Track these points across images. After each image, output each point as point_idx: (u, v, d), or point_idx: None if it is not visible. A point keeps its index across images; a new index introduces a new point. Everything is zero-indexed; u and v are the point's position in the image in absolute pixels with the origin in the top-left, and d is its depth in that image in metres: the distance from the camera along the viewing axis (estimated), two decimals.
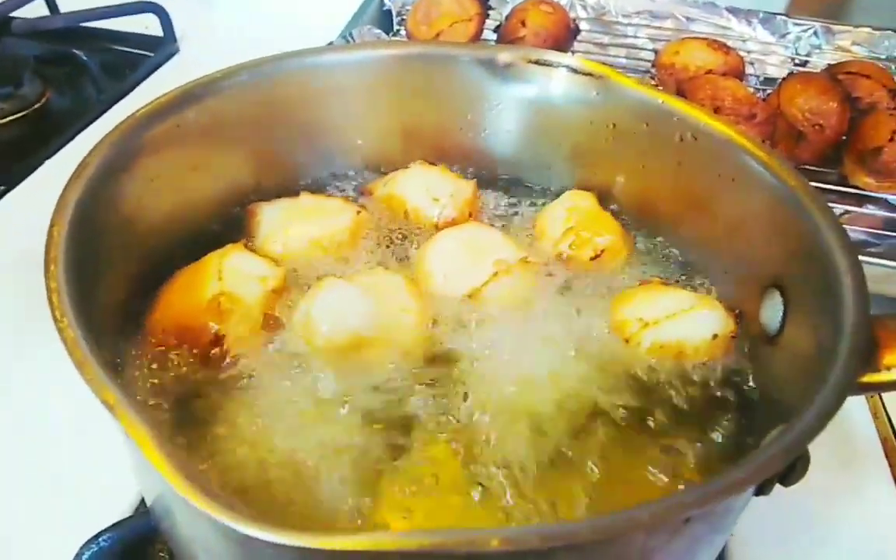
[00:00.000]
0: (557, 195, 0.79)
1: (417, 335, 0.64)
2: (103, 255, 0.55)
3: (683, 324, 0.65)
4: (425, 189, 0.76)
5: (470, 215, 0.76)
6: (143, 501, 0.70)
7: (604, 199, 0.78)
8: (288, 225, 0.71)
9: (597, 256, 0.72)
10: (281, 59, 0.72)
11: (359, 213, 0.74)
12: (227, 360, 0.59)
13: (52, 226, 0.50)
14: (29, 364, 0.82)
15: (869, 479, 0.78)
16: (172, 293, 0.63)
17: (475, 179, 0.80)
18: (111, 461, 0.68)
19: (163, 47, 1.42)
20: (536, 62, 0.76)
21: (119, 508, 0.69)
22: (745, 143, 0.66)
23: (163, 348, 0.60)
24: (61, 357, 0.78)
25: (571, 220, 0.73)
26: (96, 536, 0.62)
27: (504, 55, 0.77)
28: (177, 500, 0.42)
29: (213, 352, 0.60)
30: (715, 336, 0.64)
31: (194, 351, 0.60)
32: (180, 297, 0.62)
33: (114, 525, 0.63)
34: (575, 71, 0.75)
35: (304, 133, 0.76)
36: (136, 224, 0.62)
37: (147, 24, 1.45)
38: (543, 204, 0.79)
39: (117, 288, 0.58)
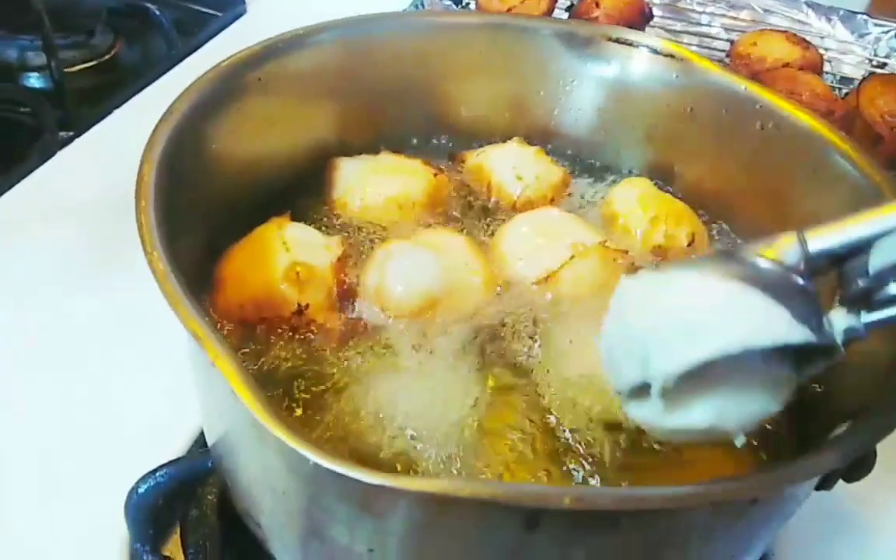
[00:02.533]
0: (625, 177, 0.79)
1: (486, 295, 0.64)
2: (185, 202, 0.56)
3: None
4: (512, 166, 0.76)
5: (552, 201, 0.76)
6: (195, 444, 0.71)
7: (675, 184, 0.78)
8: (368, 180, 0.72)
9: (691, 243, 0.71)
10: (364, 21, 0.73)
11: (436, 175, 0.75)
12: (312, 329, 0.60)
13: (142, 164, 0.51)
14: (92, 303, 0.85)
15: None
16: (238, 269, 0.62)
17: (566, 168, 0.79)
18: (167, 402, 0.72)
19: (231, 7, 1.44)
20: (616, 40, 0.75)
21: (172, 449, 0.70)
22: (829, 136, 0.64)
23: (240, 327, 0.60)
24: (126, 297, 0.80)
25: (650, 209, 0.72)
26: (153, 471, 0.62)
27: (584, 31, 0.76)
28: (253, 434, 0.43)
29: (295, 322, 0.59)
30: None
31: (276, 324, 0.60)
32: (249, 271, 0.61)
33: (172, 461, 0.64)
34: (656, 52, 0.74)
35: (383, 96, 0.77)
36: (216, 174, 0.63)
37: None
38: (613, 183, 0.78)
39: (195, 241, 0.59)
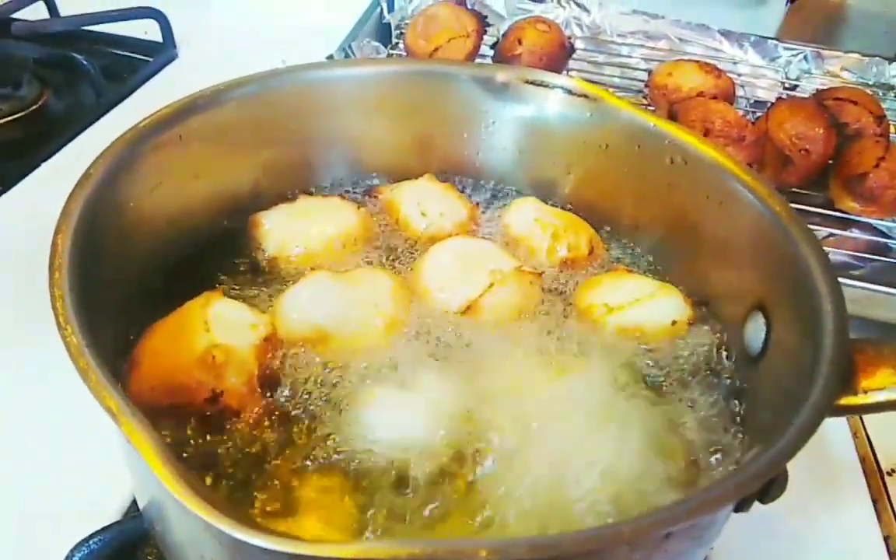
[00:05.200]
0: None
1: (385, 339, 0.64)
2: (106, 264, 0.56)
3: (644, 309, 0.69)
4: (417, 202, 0.78)
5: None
6: (133, 505, 0.70)
7: (597, 216, 0.80)
8: (305, 226, 0.73)
9: (591, 251, 0.76)
10: (285, 73, 0.74)
11: (359, 207, 0.76)
12: (226, 417, 0.56)
13: (56, 234, 0.51)
14: (20, 367, 0.82)
15: (847, 497, 0.79)
16: (154, 349, 0.58)
17: (475, 204, 0.81)
18: (101, 464, 0.68)
19: (162, 53, 1.43)
20: (533, 82, 0.78)
21: (109, 511, 0.69)
22: (732, 168, 0.68)
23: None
24: (53, 360, 0.78)
25: (548, 225, 0.76)
26: (87, 539, 0.62)
27: (501, 75, 0.79)
28: (174, 505, 0.43)
29: (208, 409, 0.56)
30: (674, 322, 0.68)
31: (187, 412, 0.56)
32: (164, 352, 0.57)
33: (105, 528, 0.63)
34: (570, 92, 0.77)
35: (305, 144, 0.78)
36: (138, 233, 0.63)
37: (146, 30, 1.46)
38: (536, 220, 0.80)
39: (116, 310, 0.58)
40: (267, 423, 0.57)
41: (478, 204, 0.82)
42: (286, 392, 0.59)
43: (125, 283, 0.61)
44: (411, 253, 0.76)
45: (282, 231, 0.73)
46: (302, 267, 0.71)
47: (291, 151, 0.77)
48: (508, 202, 0.83)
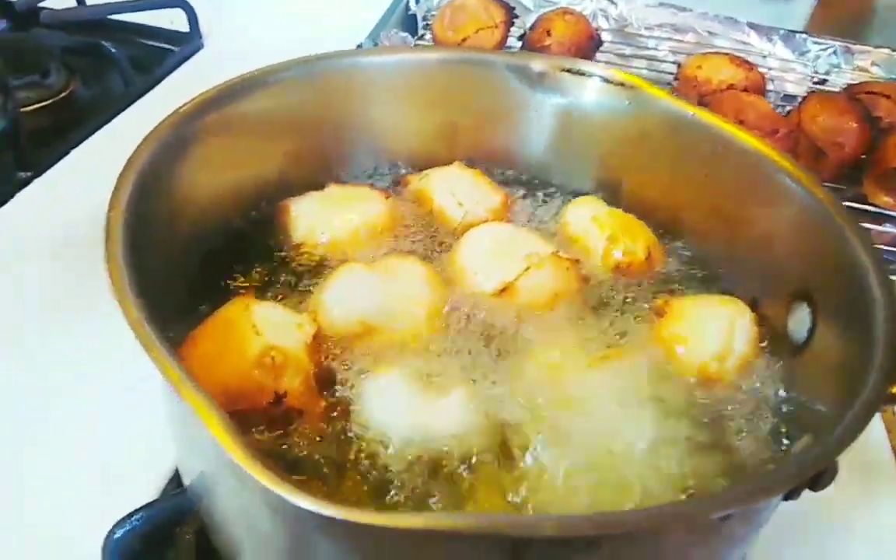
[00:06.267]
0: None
1: (426, 327, 0.65)
2: (150, 250, 0.55)
3: (739, 337, 0.66)
4: (452, 191, 0.77)
5: None
6: (169, 485, 0.71)
7: (632, 206, 0.80)
8: (331, 214, 0.73)
9: (648, 257, 0.74)
10: (327, 59, 0.74)
11: (388, 197, 0.76)
12: (292, 418, 0.56)
13: (109, 210, 0.51)
14: (57, 348, 0.83)
15: (881, 492, 0.79)
16: (205, 358, 0.56)
17: (507, 191, 0.81)
18: (139, 443, 0.71)
19: (188, 42, 1.44)
20: (569, 71, 0.78)
21: (146, 490, 0.70)
22: (774, 157, 0.68)
23: None
24: (83, 343, 0.79)
25: (606, 227, 0.74)
26: (129, 515, 0.62)
27: (537, 63, 0.78)
28: (231, 476, 0.43)
29: (272, 412, 0.55)
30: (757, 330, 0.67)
31: (250, 417, 0.55)
32: (217, 359, 0.56)
33: (147, 505, 0.63)
34: (607, 81, 0.77)
35: (338, 131, 0.78)
36: (180, 218, 0.63)
37: (173, 19, 1.46)
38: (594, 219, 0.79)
39: (161, 290, 0.56)
40: (329, 419, 0.57)
41: (512, 193, 0.82)
42: (341, 388, 0.59)
43: (167, 269, 0.61)
44: (439, 241, 0.76)
45: (309, 218, 0.73)
46: (328, 255, 0.71)
47: (324, 138, 0.77)
48: (540, 192, 0.83)
